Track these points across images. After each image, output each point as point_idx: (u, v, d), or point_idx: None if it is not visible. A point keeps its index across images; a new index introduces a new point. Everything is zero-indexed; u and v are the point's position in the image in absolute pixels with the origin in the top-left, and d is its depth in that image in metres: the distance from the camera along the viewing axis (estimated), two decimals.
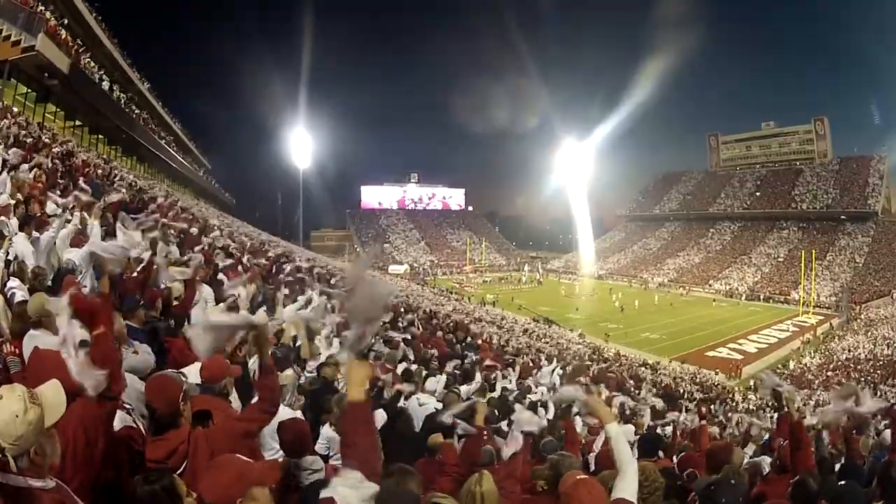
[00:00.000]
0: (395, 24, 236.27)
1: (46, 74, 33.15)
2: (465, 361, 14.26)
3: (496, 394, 11.42)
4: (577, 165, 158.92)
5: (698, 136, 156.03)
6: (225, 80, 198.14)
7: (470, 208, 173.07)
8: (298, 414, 5.92)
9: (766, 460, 7.23)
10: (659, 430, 11.75)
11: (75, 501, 2.64)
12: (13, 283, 6.58)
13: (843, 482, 5.71)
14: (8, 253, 7.50)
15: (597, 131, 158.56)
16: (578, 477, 3.61)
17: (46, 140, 22.16)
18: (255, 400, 3.87)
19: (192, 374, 4.97)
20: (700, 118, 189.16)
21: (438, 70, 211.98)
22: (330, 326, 9.59)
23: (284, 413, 5.02)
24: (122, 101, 47.65)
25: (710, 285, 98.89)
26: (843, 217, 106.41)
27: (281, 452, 4.26)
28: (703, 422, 11.17)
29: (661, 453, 7.49)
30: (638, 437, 8.92)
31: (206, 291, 9.08)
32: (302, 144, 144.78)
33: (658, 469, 4.77)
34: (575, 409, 7.98)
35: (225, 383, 4.89)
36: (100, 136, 47.33)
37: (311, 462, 3.93)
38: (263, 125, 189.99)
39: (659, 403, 18.91)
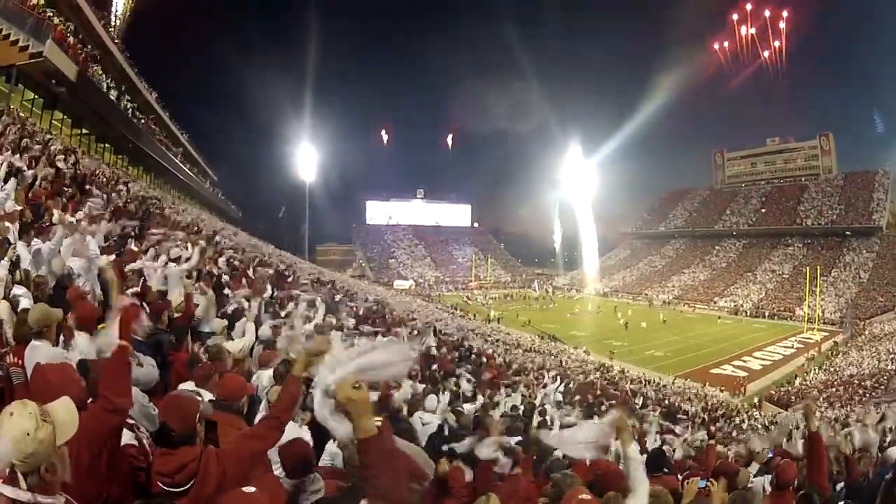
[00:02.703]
0: (404, 41, 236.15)
1: (54, 81, 33.16)
2: (470, 379, 14.25)
3: (499, 412, 11.35)
4: (582, 182, 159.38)
5: (704, 152, 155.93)
6: (232, 92, 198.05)
7: (475, 224, 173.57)
8: (305, 430, 5.88)
9: (768, 479, 7.19)
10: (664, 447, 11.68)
11: None
12: (18, 290, 6.57)
13: (847, 500, 5.70)
14: (12, 259, 7.49)
15: (602, 148, 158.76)
16: (581, 496, 3.58)
17: (53, 148, 22.20)
18: (264, 414, 3.82)
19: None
20: (706, 134, 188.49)
21: (447, 84, 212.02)
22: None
23: (289, 430, 4.98)
24: (130, 110, 47.72)
25: (714, 302, 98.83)
26: (847, 233, 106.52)
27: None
28: (711, 441, 11.13)
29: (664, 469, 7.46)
30: (644, 455, 8.89)
31: (208, 298, 9.01)
32: (308, 159, 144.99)
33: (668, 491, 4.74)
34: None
35: (243, 401, 4.86)
36: (106, 145, 47.38)
37: (312, 481, 3.88)
38: (270, 139, 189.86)
39: (664, 422, 18.89)
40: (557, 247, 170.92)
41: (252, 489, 2.82)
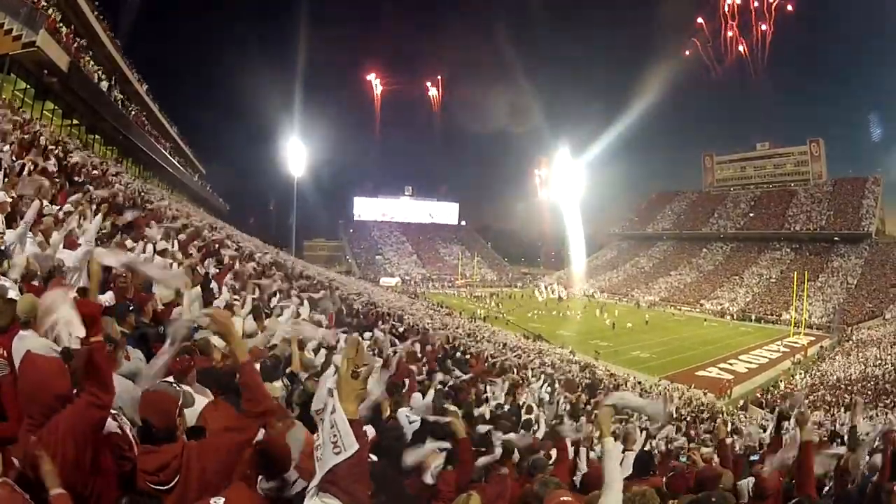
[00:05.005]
0: (395, 39, 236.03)
1: (46, 71, 33.04)
2: (455, 377, 14.25)
3: (484, 409, 11.36)
4: (571, 182, 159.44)
5: (693, 155, 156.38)
6: (222, 86, 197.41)
7: (463, 223, 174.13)
8: None
9: (752, 482, 7.22)
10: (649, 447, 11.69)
11: (23, 499, 2.62)
12: (2, 280, 6.53)
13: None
14: (1, 249, 7.47)
15: (592, 148, 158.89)
16: (562, 498, 3.59)
17: (44, 138, 22.09)
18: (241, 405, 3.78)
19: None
20: (696, 137, 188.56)
21: (437, 83, 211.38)
22: (318, 339, 9.46)
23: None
24: (120, 101, 47.57)
25: (701, 305, 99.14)
26: (836, 238, 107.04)
27: None
28: (692, 444, 11.18)
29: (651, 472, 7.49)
30: (631, 455, 8.91)
31: (193, 293, 8.96)
32: (297, 154, 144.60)
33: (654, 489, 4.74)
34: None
35: None
36: (96, 137, 47.15)
37: (291, 479, 3.87)
38: (259, 134, 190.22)
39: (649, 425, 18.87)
40: (543, 246, 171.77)
41: (221, 500, 2.82)
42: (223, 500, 2.83)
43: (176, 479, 3.27)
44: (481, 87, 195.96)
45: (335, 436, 2.22)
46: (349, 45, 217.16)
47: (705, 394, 43.71)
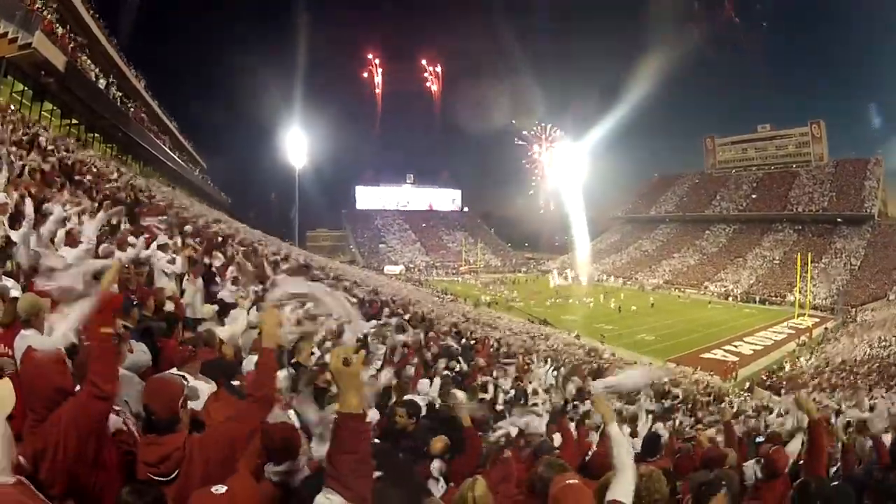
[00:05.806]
0: (394, 28, 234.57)
1: (43, 72, 33.01)
2: (461, 363, 14.26)
3: (489, 395, 11.36)
4: (572, 166, 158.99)
5: (695, 138, 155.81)
6: (220, 78, 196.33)
7: (465, 209, 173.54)
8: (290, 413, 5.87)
9: (760, 462, 7.22)
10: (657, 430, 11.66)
11: (36, 497, 2.62)
12: (7, 281, 6.54)
13: (835, 482, 5.70)
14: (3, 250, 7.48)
15: (593, 132, 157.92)
16: (567, 481, 3.58)
17: (43, 139, 22.09)
18: (247, 396, 3.78)
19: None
20: (697, 120, 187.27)
21: (437, 69, 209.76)
22: (323, 330, 9.44)
23: (275, 414, 4.96)
24: (118, 98, 47.53)
25: (705, 287, 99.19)
26: (839, 220, 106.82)
27: None
28: (699, 426, 11.18)
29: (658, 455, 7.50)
30: (639, 438, 8.91)
31: (195, 286, 9.00)
32: (298, 144, 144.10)
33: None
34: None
35: None
36: (95, 135, 47.11)
37: (297, 465, 3.86)
38: (260, 125, 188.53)
39: (655, 406, 18.85)
40: (546, 231, 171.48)
41: (223, 488, 2.82)
42: (225, 488, 2.83)
43: (177, 471, 3.27)
44: (481, 73, 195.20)
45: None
46: (349, 35, 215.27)
47: (712, 375, 43.61)
